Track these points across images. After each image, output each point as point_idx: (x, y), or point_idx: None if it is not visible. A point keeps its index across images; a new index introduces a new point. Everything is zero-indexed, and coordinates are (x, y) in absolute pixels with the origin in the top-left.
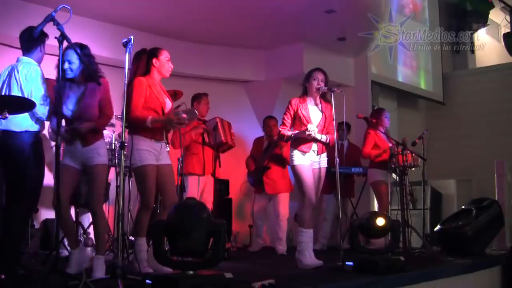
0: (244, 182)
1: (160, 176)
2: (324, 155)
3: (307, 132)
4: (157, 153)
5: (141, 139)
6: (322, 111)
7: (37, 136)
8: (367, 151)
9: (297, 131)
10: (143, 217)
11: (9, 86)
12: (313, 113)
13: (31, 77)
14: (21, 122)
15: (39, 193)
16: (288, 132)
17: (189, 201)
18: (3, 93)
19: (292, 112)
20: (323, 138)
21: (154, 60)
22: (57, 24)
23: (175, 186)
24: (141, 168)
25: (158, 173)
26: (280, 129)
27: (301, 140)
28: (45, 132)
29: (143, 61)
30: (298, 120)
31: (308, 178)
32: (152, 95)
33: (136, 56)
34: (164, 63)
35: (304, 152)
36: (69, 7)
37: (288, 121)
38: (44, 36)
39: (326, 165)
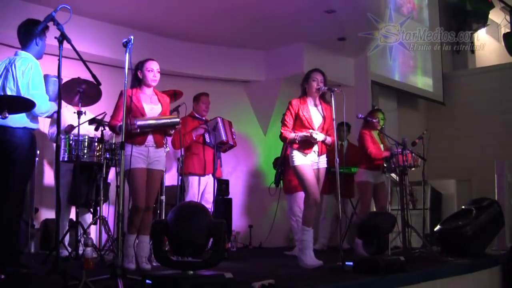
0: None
1: (147, 179)
2: (324, 156)
3: (314, 135)
4: (144, 157)
5: (128, 146)
6: (322, 112)
7: (33, 134)
8: (375, 151)
9: (301, 134)
10: (134, 216)
11: (6, 79)
12: (314, 115)
13: (29, 73)
14: (19, 119)
15: (25, 190)
16: (291, 134)
17: (189, 203)
18: (0, 86)
19: (293, 113)
20: (326, 139)
21: (139, 72)
22: (57, 24)
23: (155, 192)
24: (128, 171)
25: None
26: (282, 131)
27: (303, 141)
28: (44, 130)
29: (134, 73)
30: (298, 121)
31: (311, 177)
32: (132, 104)
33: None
34: (146, 74)
35: (305, 153)
36: (69, 7)
37: (290, 122)
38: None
39: (325, 166)
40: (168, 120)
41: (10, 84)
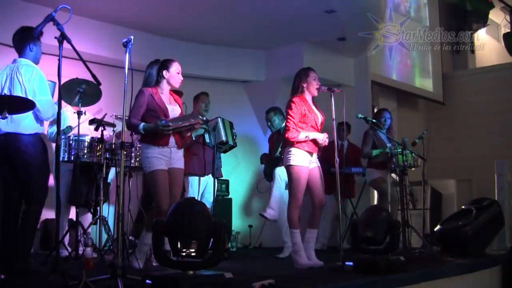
0: (261, 180)
1: (169, 178)
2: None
3: (323, 139)
4: (166, 159)
5: (149, 147)
6: (319, 110)
7: (41, 137)
8: (366, 151)
9: (312, 133)
10: (156, 217)
11: (12, 86)
12: (317, 113)
13: (35, 80)
14: (30, 125)
15: (46, 193)
16: (301, 134)
17: (189, 200)
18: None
19: (298, 112)
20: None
21: (164, 72)
22: (57, 24)
23: (180, 190)
24: (151, 173)
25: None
26: (290, 128)
27: (312, 140)
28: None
29: (154, 71)
30: (301, 119)
31: (304, 180)
32: (154, 104)
33: (149, 65)
34: (174, 75)
35: (311, 153)
36: (69, 7)
37: (296, 121)
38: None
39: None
40: (192, 121)
41: (17, 91)
